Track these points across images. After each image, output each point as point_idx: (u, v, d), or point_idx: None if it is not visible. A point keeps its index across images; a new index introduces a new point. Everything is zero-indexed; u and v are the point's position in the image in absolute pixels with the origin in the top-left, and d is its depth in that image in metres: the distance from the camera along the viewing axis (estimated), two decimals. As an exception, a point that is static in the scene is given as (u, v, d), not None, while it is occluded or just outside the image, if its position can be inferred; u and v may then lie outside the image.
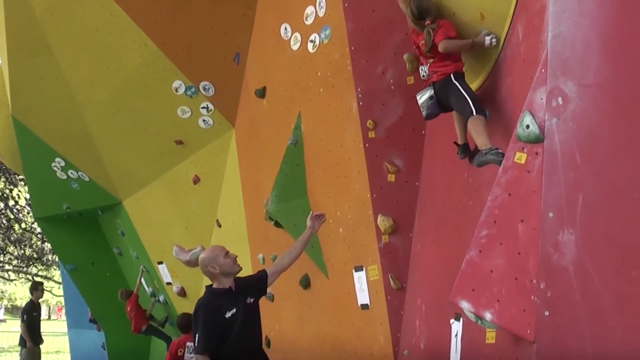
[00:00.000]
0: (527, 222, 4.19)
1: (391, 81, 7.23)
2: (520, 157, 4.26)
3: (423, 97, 5.83)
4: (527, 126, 4.21)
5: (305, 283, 8.65)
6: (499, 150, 4.84)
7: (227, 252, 5.91)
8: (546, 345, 4.02)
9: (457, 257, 5.40)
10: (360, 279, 7.54)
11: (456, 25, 5.45)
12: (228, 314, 5.72)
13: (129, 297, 13.06)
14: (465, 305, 4.47)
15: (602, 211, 3.99)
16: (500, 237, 4.34)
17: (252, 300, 5.95)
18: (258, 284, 6.18)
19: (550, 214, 4.04)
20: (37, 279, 28.64)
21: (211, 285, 5.99)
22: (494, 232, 4.38)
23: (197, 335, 5.72)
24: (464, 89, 5.46)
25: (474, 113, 5.29)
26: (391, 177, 7.22)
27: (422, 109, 5.87)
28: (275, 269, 6.40)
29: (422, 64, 5.85)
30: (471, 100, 5.40)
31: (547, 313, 3.98)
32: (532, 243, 4.12)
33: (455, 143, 5.83)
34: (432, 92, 5.73)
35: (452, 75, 5.58)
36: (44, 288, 15.61)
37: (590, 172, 4.05)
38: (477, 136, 5.31)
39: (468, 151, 5.75)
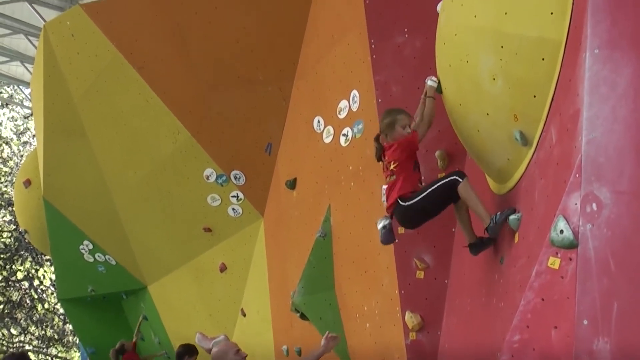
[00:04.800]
0: (561, 329, 4.11)
1: (422, 177, 7.24)
2: (554, 262, 4.22)
3: (379, 225, 6.06)
4: (561, 231, 4.17)
5: (330, 378, 8.52)
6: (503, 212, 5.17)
7: (238, 350, 5.97)
8: None
9: (486, 359, 5.31)
10: (386, 377, 7.43)
11: (488, 126, 5.48)
12: None
13: (123, 353, 12.86)
14: (496, 411, 4.38)
15: (637, 320, 3.92)
16: (533, 343, 4.26)
17: None
18: None
19: (585, 322, 3.97)
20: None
21: None
22: (527, 337, 4.31)
23: None
24: (421, 198, 5.71)
25: (460, 179, 5.54)
26: (420, 274, 7.17)
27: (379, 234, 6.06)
28: None
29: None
30: (439, 183, 5.66)
31: None
32: (566, 350, 4.03)
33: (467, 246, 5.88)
34: (387, 222, 6.00)
35: (399, 200, 5.80)
36: None
37: (624, 280, 3.99)
38: (476, 206, 5.51)
39: (480, 245, 5.78)
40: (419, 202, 5.76)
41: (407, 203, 5.81)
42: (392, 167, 5.96)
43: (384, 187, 6.07)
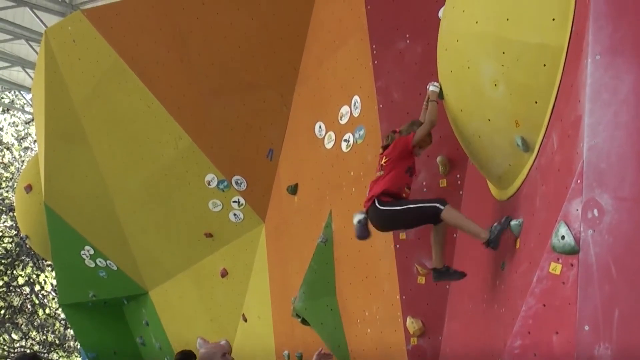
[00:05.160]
0: (562, 334, 4.12)
1: (424, 183, 7.26)
2: (555, 268, 4.22)
3: (355, 219, 6.08)
4: (563, 237, 4.18)
5: (331, 383, 8.52)
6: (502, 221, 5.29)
7: (225, 354, 5.98)
8: None
9: (488, 365, 5.33)
10: (387, 382, 7.43)
11: (490, 132, 5.49)
12: None
13: None
14: (497, 417, 4.38)
15: (639, 326, 3.92)
16: (535, 348, 4.27)
17: None
18: None
19: (586, 327, 3.98)
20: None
21: None
22: (528, 342, 4.31)
23: None
24: (398, 209, 5.75)
25: (441, 207, 5.56)
26: (421, 279, 7.18)
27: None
28: None
29: None
30: (420, 204, 5.71)
31: None
32: (567, 356, 4.04)
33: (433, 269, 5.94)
34: (363, 217, 6.00)
35: (376, 201, 5.81)
36: None
37: (626, 286, 3.99)
38: (467, 226, 5.55)
39: (445, 274, 5.84)
40: (395, 212, 5.80)
41: (384, 208, 5.83)
42: (382, 161, 6.00)
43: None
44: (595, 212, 4.10)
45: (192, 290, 12.00)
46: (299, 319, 9.05)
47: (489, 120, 5.44)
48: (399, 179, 5.91)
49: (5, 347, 29.89)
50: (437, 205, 5.65)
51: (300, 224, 9.50)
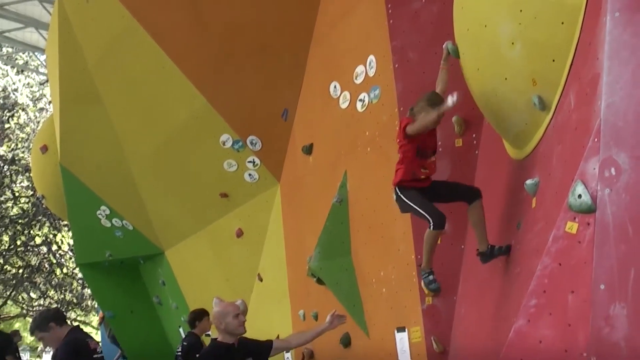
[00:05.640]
0: (578, 294, 4.12)
1: (439, 143, 7.21)
2: (572, 227, 4.21)
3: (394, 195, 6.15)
4: (579, 196, 4.15)
5: (346, 342, 8.58)
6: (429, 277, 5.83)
7: (237, 314, 6.11)
8: (596, 420, 3.92)
9: (502, 324, 5.33)
10: (402, 340, 7.47)
11: (507, 91, 5.44)
12: None
13: None
14: (512, 375, 4.40)
15: (655, 285, 3.91)
16: (550, 308, 4.27)
17: None
18: (261, 350, 6.37)
19: (602, 286, 3.97)
20: (76, 324, 28.79)
21: (216, 338, 6.30)
22: (543, 302, 4.31)
23: None
24: (409, 204, 5.87)
25: (431, 226, 5.75)
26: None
27: None
28: (281, 344, 6.65)
29: None
30: (424, 209, 5.82)
31: (597, 388, 3.89)
32: (582, 315, 4.04)
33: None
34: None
35: (396, 189, 5.93)
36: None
37: (642, 245, 3.98)
38: (425, 252, 5.89)
39: (491, 255, 5.81)
40: (407, 205, 5.92)
41: (400, 196, 5.95)
42: (398, 146, 6.02)
43: None
44: (612, 170, 4.07)
45: (208, 250, 12.06)
46: (314, 279, 9.11)
47: (506, 79, 5.39)
48: (410, 164, 5.91)
49: (24, 305, 30.29)
50: (430, 221, 5.78)
51: (315, 184, 9.51)
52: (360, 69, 8.36)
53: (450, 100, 5.41)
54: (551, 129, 5.21)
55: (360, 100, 8.35)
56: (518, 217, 5.57)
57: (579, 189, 4.18)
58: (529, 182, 5.23)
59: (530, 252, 5.07)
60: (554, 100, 5.14)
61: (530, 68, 5.14)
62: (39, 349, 36.69)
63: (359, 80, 8.40)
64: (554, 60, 4.94)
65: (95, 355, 6.49)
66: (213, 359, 6.12)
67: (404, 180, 5.91)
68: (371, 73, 8.14)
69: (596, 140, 4.17)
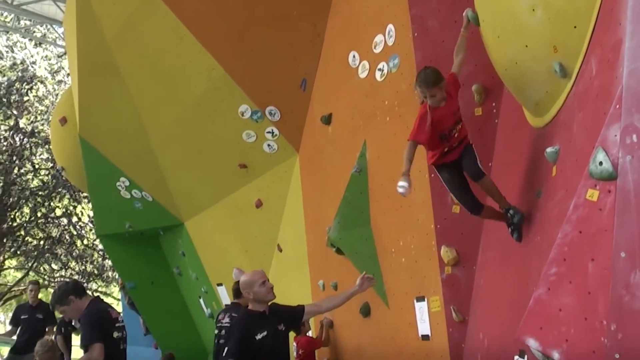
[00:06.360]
0: (598, 262, 4.09)
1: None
2: (593, 195, 4.17)
3: None
4: (600, 163, 4.11)
5: (366, 311, 8.61)
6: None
7: (264, 281, 6.14)
8: (616, 388, 3.92)
9: (522, 293, 5.33)
10: (421, 310, 7.49)
11: (527, 58, 5.39)
12: (259, 336, 5.98)
13: None
14: (532, 343, 4.39)
15: (676, 253, 3.89)
16: (570, 276, 4.25)
17: (283, 327, 6.20)
18: (293, 315, 6.40)
19: (622, 254, 3.94)
20: (97, 294, 29.08)
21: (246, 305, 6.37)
22: (564, 270, 4.29)
23: (230, 346, 6.10)
24: (446, 183, 5.99)
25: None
26: (456, 209, 7.16)
27: None
28: (312, 309, 6.64)
29: None
30: (460, 201, 6.13)
31: (617, 356, 3.87)
32: (602, 283, 4.02)
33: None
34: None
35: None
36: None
37: (664, 213, 3.94)
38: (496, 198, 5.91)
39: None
40: (444, 184, 6.03)
41: (438, 174, 6.02)
42: None
43: None
44: (634, 137, 4.03)
45: (227, 221, 12.10)
46: (334, 249, 9.12)
47: (527, 46, 5.34)
48: (435, 146, 5.82)
49: (45, 276, 30.58)
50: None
51: (334, 154, 9.49)
52: (379, 38, 8.31)
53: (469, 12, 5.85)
54: (572, 97, 5.17)
55: (380, 69, 8.30)
56: (538, 185, 5.54)
57: (600, 156, 4.14)
58: (549, 150, 5.19)
59: (551, 220, 5.04)
60: (575, 68, 5.09)
61: (551, 35, 5.09)
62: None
63: (378, 50, 8.35)
64: (575, 27, 4.88)
65: (117, 324, 6.57)
66: (245, 328, 6.08)
67: (434, 162, 5.91)
68: (390, 42, 8.09)
69: (618, 106, 4.13)
